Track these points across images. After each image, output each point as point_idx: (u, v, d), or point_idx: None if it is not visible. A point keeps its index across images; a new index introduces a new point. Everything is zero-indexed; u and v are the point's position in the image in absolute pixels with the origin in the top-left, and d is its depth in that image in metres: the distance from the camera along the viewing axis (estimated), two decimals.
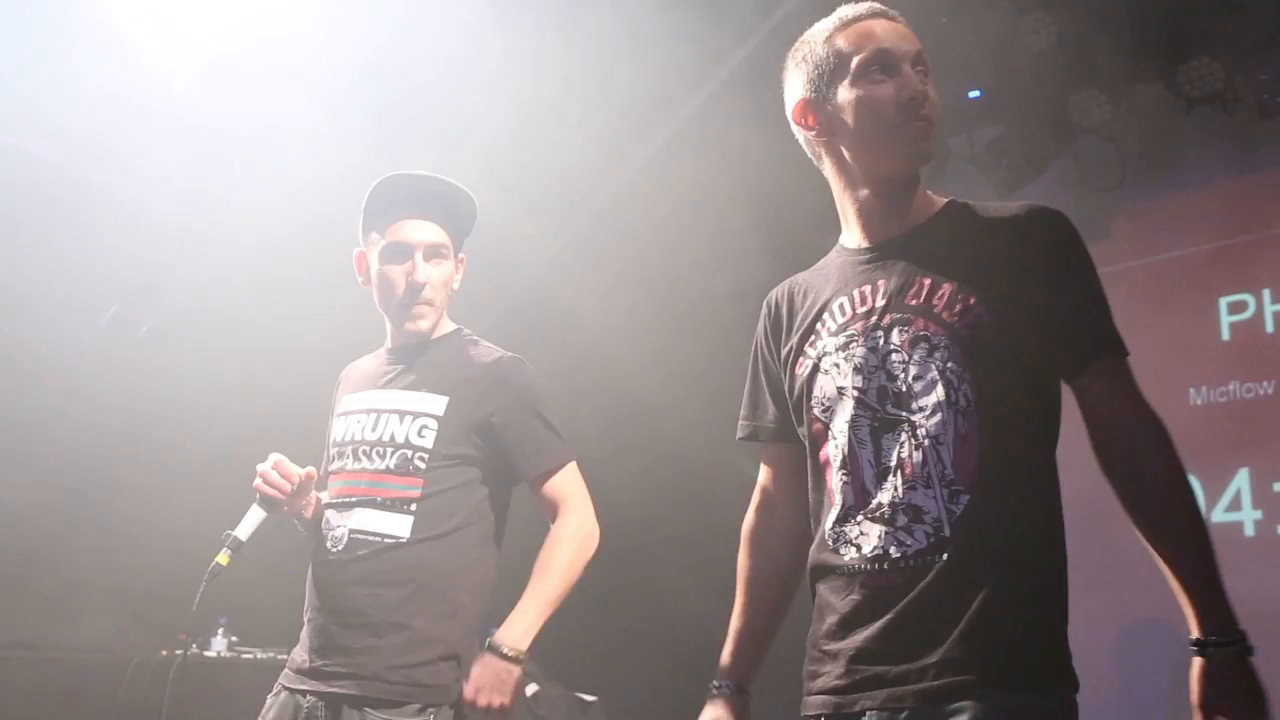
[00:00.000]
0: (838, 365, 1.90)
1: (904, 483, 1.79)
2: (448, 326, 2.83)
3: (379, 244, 2.73)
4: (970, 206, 1.96)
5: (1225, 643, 1.68)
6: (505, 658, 2.48)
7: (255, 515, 2.65)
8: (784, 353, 2.03)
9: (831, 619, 1.83)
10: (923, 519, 1.76)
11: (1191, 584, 1.72)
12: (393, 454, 2.63)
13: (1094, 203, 5.26)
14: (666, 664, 5.59)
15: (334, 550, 2.61)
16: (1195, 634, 1.71)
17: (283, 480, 2.65)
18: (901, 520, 1.78)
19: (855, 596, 1.80)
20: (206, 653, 4.43)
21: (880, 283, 1.91)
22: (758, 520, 2.14)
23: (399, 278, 2.71)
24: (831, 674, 1.81)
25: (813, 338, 1.96)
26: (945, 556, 1.73)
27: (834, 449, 1.88)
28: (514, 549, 2.74)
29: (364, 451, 2.67)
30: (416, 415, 2.65)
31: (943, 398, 1.79)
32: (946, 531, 1.75)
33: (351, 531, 2.60)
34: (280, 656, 3.99)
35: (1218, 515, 4.91)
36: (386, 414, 2.69)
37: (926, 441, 1.79)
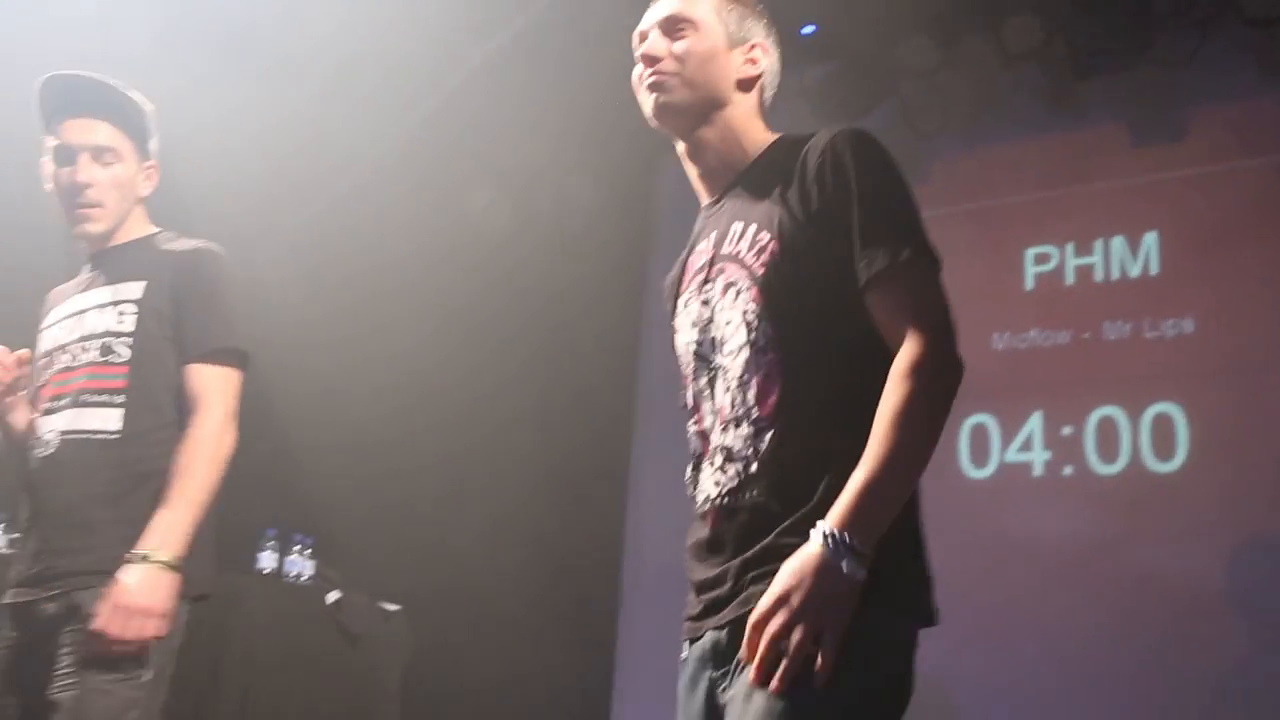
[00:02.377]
0: (683, 324, 1.98)
1: (721, 425, 1.84)
2: (144, 230, 2.75)
3: (51, 145, 2.65)
4: (787, 141, 1.96)
5: (848, 544, 1.60)
6: (151, 563, 2.35)
7: None
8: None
9: (689, 556, 1.91)
10: (734, 458, 1.81)
11: (862, 473, 1.64)
12: (95, 344, 2.55)
13: (916, 147, 5.39)
14: (471, 575, 5.62)
15: (43, 454, 2.52)
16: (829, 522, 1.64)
17: (4, 370, 2.58)
18: (718, 460, 1.84)
19: (701, 535, 1.86)
20: None
21: (712, 235, 1.97)
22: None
23: (65, 178, 2.63)
24: (690, 604, 1.89)
25: (677, 301, 2.04)
26: (754, 493, 1.78)
27: (689, 400, 1.95)
28: None
29: (69, 352, 2.59)
30: (116, 303, 2.58)
31: (744, 339, 1.82)
32: (754, 469, 1.78)
33: (62, 433, 2.51)
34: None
35: (1010, 455, 5.16)
36: (87, 312, 2.61)
37: (734, 383, 1.83)
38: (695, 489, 1.91)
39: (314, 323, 5.20)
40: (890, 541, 1.68)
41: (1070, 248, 5.29)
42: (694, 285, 1.97)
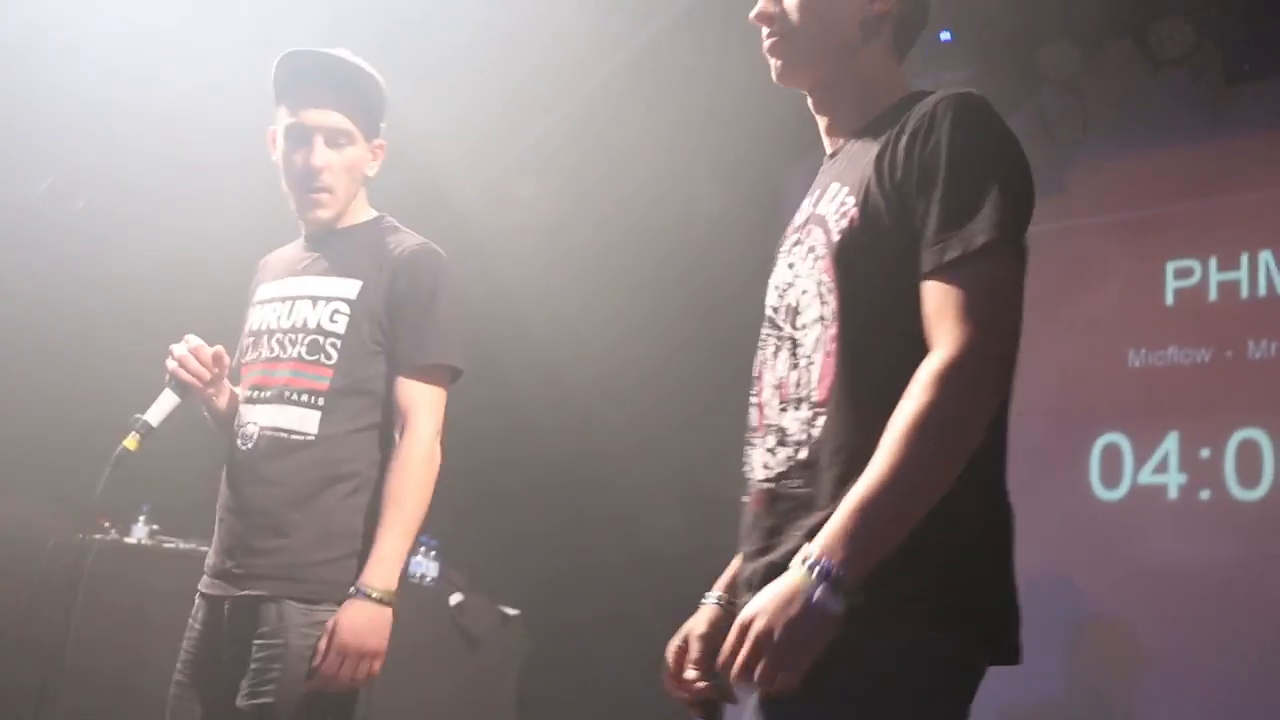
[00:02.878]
0: (771, 284, 1.84)
1: (780, 403, 1.71)
2: (365, 214, 2.69)
3: (284, 122, 2.60)
4: (911, 98, 1.76)
5: (828, 569, 1.46)
6: (375, 600, 2.36)
7: (167, 400, 2.54)
8: None
9: (741, 540, 1.80)
10: (786, 442, 1.68)
11: (854, 494, 1.49)
12: (304, 340, 2.52)
13: (1054, 155, 5.25)
14: (591, 584, 5.65)
15: (244, 448, 2.52)
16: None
17: (200, 366, 2.56)
18: (770, 441, 1.72)
19: (747, 519, 1.75)
20: (126, 539, 4.37)
21: (816, 191, 1.81)
22: None
23: (299, 161, 2.57)
24: (737, 585, 1.79)
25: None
26: (800, 482, 1.65)
27: (755, 367, 1.82)
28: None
29: (277, 340, 2.56)
30: (329, 300, 2.54)
31: (816, 313, 1.68)
32: (804, 454, 1.65)
33: (262, 428, 2.50)
34: (202, 548, 3.96)
35: (1144, 477, 4.98)
36: (300, 300, 2.57)
37: (802, 360, 1.69)
38: (748, 466, 1.78)
39: None
40: (925, 547, 1.49)
41: (1214, 261, 5.08)
42: (787, 244, 1.82)
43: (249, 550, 2.46)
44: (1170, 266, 5.16)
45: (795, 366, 1.70)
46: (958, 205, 1.57)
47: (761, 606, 1.49)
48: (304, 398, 2.48)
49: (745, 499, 1.79)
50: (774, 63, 1.84)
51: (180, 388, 2.56)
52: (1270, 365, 4.84)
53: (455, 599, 4.80)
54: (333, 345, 2.50)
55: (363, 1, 4.36)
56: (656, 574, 5.58)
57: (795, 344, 1.71)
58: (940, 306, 1.55)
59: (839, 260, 1.66)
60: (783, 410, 1.70)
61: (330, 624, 2.34)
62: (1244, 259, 5.01)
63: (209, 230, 4.64)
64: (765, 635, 1.47)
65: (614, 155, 5.63)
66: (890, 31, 1.83)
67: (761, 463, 1.73)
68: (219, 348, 2.61)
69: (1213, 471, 4.82)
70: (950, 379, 1.48)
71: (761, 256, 2.03)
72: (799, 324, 1.71)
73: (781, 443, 1.69)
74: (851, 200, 1.68)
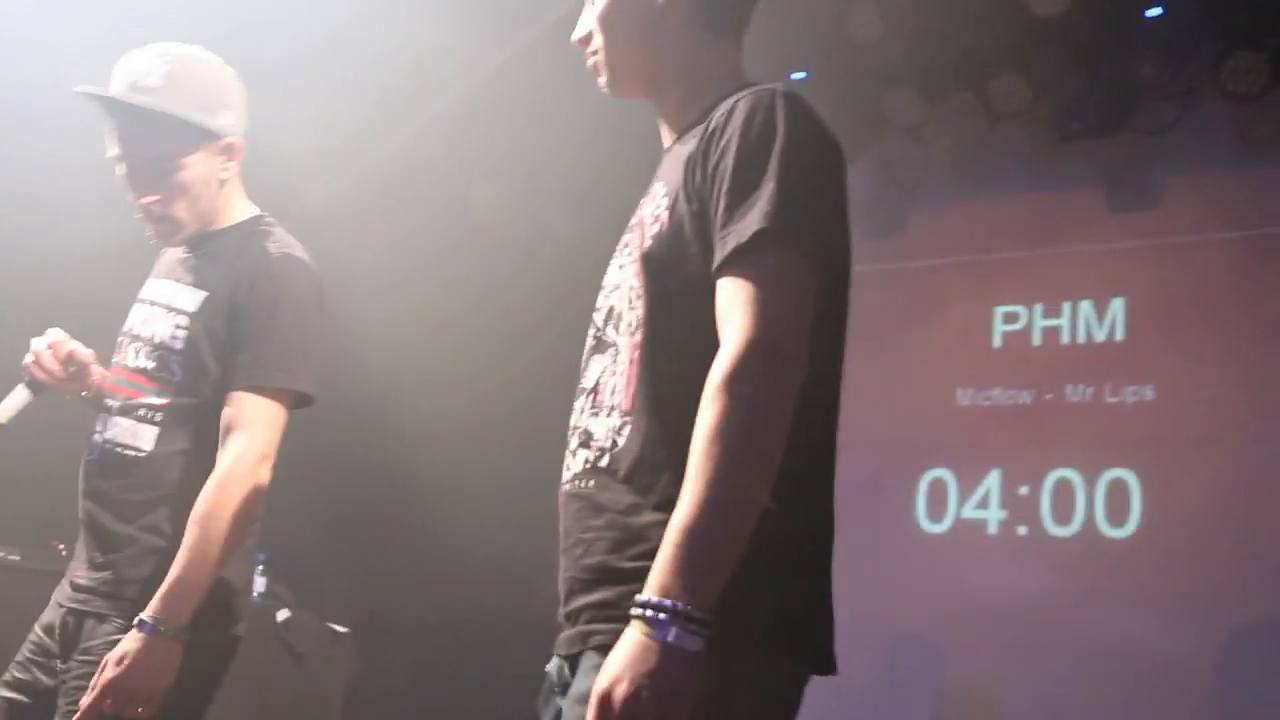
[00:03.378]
0: (601, 286, 1.75)
1: (592, 408, 1.64)
2: (240, 214, 2.53)
3: (111, 155, 2.47)
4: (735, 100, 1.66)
5: (655, 605, 1.37)
6: (158, 634, 2.18)
7: (19, 396, 2.41)
8: None
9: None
10: (589, 444, 1.62)
11: (672, 524, 1.40)
12: (151, 352, 2.42)
13: (896, 199, 5.45)
14: (421, 602, 5.58)
15: (87, 458, 2.44)
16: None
17: (54, 364, 2.43)
18: (574, 444, 1.66)
19: (561, 524, 1.67)
20: None
21: (649, 190, 1.73)
22: None
23: (129, 196, 2.44)
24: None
25: None
26: (593, 484, 1.59)
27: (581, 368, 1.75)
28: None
29: (134, 348, 2.46)
30: (175, 312, 2.43)
31: (626, 317, 1.63)
32: (604, 461, 1.59)
33: (104, 440, 2.41)
34: (11, 558, 3.77)
35: (967, 511, 5.18)
36: (158, 306, 2.46)
37: (618, 365, 1.62)
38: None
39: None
40: (756, 570, 1.43)
41: (1039, 308, 5.33)
42: (620, 244, 1.74)
43: (86, 562, 2.39)
44: (999, 311, 5.40)
45: (612, 373, 1.63)
46: (737, 200, 1.51)
47: (616, 673, 1.36)
48: (141, 412, 2.39)
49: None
50: (600, 81, 1.81)
51: (34, 384, 2.44)
52: (1085, 409, 5.10)
53: (282, 615, 4.68)
54: (175, 361, 2.39)
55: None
56: (487, 593, 5.56)
57: (614, 349, 1.65)
58: (722, 304, 1.50)
59: (646, 265, 1.61)
60: (594, 415, 1.64)
61: (105, 657, 2.20)
62: (1066, 307, 5.27)
63: (77, 229, 4.44)
64: (632, 699, 1.34)
65: (468, 171, 5.62)
66: (695, 7, 1.75)
67: (564, 467, 1.67)
68: (74, 346, 2.47)
69: (1030, 508, 5.05)
70: (734, 382, 1.42)
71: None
72: (619, 328, 1.65)
73: (585, 445, 1.63)
74: (665, 202, 1.63)
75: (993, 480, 5.17)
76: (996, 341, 5.38)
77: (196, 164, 2.43)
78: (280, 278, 2.41)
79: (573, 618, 1.59)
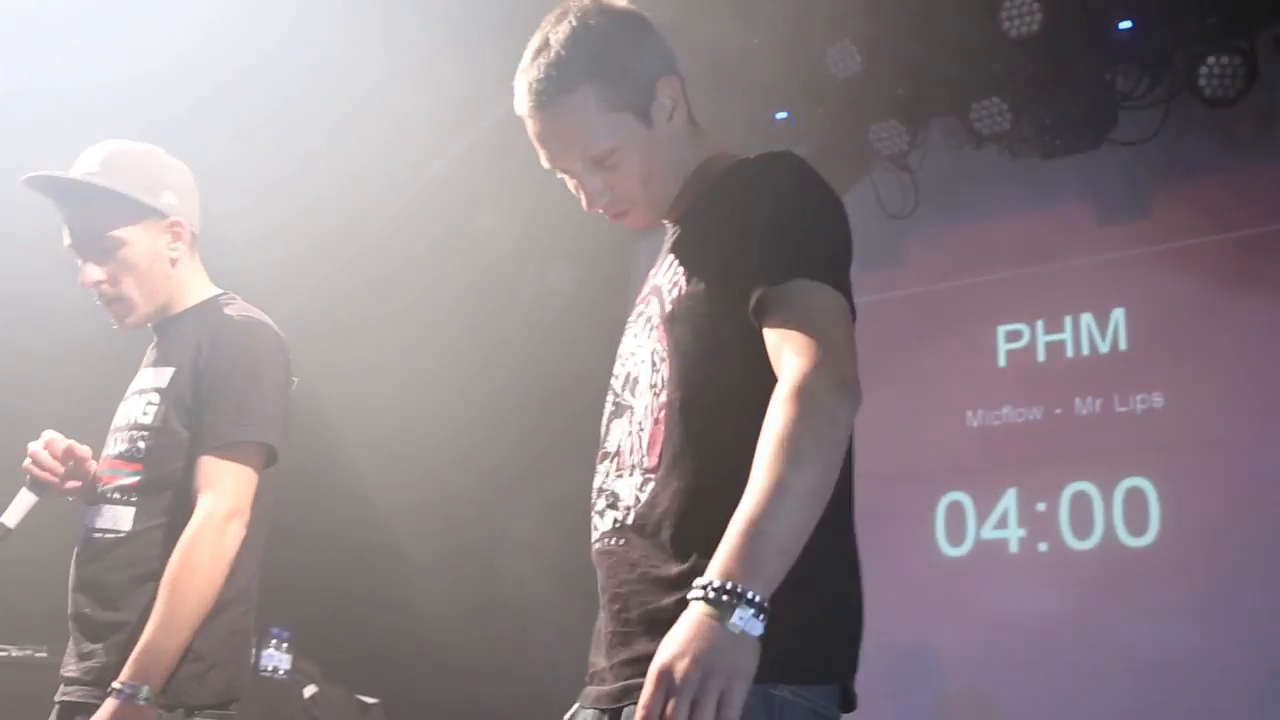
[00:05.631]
0: (618, 354, 1.84)
1: (615, 470, 1.72)
2: (200, 294, 2.54)
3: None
4: (740, 166, 1.79)
5: (721, 589, 1.40)
6: (127, 698, 2.16)
7: (25, 500, 2.43)
8: None
9: None
10: (617, 505, 1.69)
11: (736, 516, 1.46)
12: (125, 437, 2.43)
13: (888, 229, 5.49)
14: (449, 668, 5.57)
15: (75, 550, 2.44)
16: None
17: (54, 462, 2.44)
18: (600, 504, 1.73)
19: (598, 582, 1.73)
20: None
21: (659, 263, 1.84)
22: None
23: (82, 282, 2.49)
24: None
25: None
26: (622, 541, 1.65)
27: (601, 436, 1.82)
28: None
29: (113, 438, 2.48)
30: (147, 392, 2.44)
31: (649, 380, 1.70)
32: (630, 519, 1.65)
33: (88, 530, 2.42)
34: (38, 655, 3.77)
35: (986, 532, 5.18)
36: (133, 395, 2.49)
37: (635, 427, 1.70)
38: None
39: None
40: (793, 598, 1.46)
41: (1041, 325, 5.36)
42: (634, 314, 1.83)
43: (74, 654, 2.38)
44: (1001, 330, 5.42)
45: (630, 434, 1.71)
46: (771, 249, 1.61)
47: (677, 649, 1.38)
48: (118, 495, 2.39)
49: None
50: (636, 225, 1.86)
51: (37, 485, 2.45)
52: (1096, 421, 5.11)
53: (309, 691, 4.67)
54: (143, 438, 2.40)
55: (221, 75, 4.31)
56: (514, 657, 5.55)
57: (631, 411, 1.73)
58: (775, 343, 1.57)
59: (670, 328, 1.69)
60: (618, 476, 1.71)
61: None
62: (1068, 321, 5.30)
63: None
64: (694, 675, 1.36)
65: (467, 234, 5.68)
66: (683, 114, 1.83)
67: (593, 528, 1.74)
68: (70, 442, 2.49)
69: (1049, 524, 5.04)
70: (805, 393, 1.48)
71: (602, 335, 2.08)
72: (636, 392, 1.73)
73: (612, 506, 1.70)
74: (682, 271, 1.72)
75: (1010, 499, 5.17)
76: (1001, 361, 5.40)
77: (139, 240, 2.46)
78: (240, 337, 2.43)
79: (614, 671, 1.63)
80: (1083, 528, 4.98)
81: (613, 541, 1.67)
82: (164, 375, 2.44)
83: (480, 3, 4.33)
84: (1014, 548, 5.11)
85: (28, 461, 2.47)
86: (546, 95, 1.73)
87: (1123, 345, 5.16)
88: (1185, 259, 5.09)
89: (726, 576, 1.40)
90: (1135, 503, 4.91)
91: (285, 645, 4.78)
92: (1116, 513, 4.93)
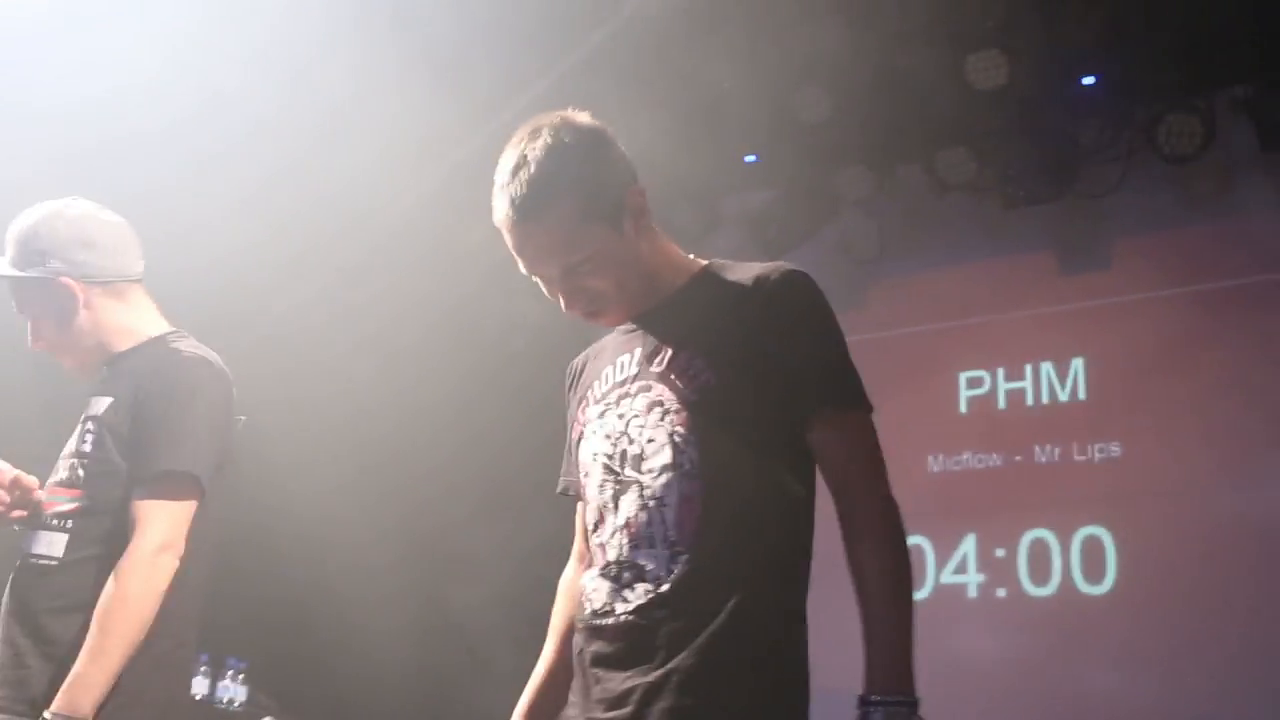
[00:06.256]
0: (595, 432, 1.94)
1: (629, 541, 1.83)
2: (146, 333, 2.55)
3: None
4: (722, 269, 1.98)
5: (890, 701, 1.75)
6: None
7: None
8: (570, 418, 2.08)
9: (577, 671, 1.89)
10: (644, 577, 1.81)
11: (874, 640, 1.79)
12: (66, 464, 2.44)
13: (853, 273, 5.54)
14: (405, 700, 5.52)
15: (12, 575, 2.41)
16: (862, 690, 1.75)
17: (0, 491, 2.41)
18: (625, 577, 1.83)
19: (600, 648, 1.84)
20: None
21: (636, 351, 1.95)
22: (572, 573, 2.13)
23: None
24: (577, 710, 1.85)
25: (584, 404, 2.01)
26: (664, 613, 1.78)
27: (592, 511, 1.93)
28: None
29: (59, 464, 2.47)
30: (87, 420, 2.44)
31: (669, 460, 1.82)
32: (666, 588, 1.79)
33: (26, 554, 2.40)
34: None
35: (945, 577, 5.20)
36: (78, 425, 2.49)
37: (652, 502, 1.82)
38: (589, 599, 1.88)
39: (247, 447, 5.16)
40: (776, 675, 1.78)
41: (1002, 372, 5.42)
42: (612, 398, 1.94)
43: (5, 681, 2.35)
44: (963, 376, 5.48)
45: (644, 507, 1.83)
46: (831, 371, 1.86)
47: None
48: (55, 521, 2.38)
49: (582, 629, 1.88)
50: (609, 322, 2.00)
51: None
52: (1055, 469, 5.16)
53: None
54: (82, 466, 2.40)
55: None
56: (469, 687, 5.50)
57: (642, 487, 1.84)
58: (843, 458, 1.85)
59: (696, 415, 1.83)
60: (635, 548, 1.83)
61: None
62: (1028, 369, 5.36)
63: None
64: None
65: (438, 260, 5.67)
66: (647, 220, 1.95)
67: (619, 596, 1.83)
68: (17, 473, 2.45)
69: (1007, 570, 5.08)
70: (886, 522, 1.82)
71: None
72: (644, 468, 1.84)
73: (640, 578, 1.81)
74: (702, 363, 1.85)
75: (969, 544, 5.21)
76: (963, 407, 5.46)
77: (46, 304, 2.50)
78: (178, 372, 2.43)
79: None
80: (1041, 574, 5.02)
81: (658, 613, 1.79)
82: (102, 404, 2.45)
83: (459, 32, 4.35)
84: (973, 593, 5.14)
85: None
86: (528, 209, 1.83)
87: (1082, 394, 5.23)
88: (1143, 311, 5.17)
89: (897, 689, 1.77)
90: (1092, 550, 4.96)
91: (241, 676, 4.73)
92: (1074, 560, 4.97)
